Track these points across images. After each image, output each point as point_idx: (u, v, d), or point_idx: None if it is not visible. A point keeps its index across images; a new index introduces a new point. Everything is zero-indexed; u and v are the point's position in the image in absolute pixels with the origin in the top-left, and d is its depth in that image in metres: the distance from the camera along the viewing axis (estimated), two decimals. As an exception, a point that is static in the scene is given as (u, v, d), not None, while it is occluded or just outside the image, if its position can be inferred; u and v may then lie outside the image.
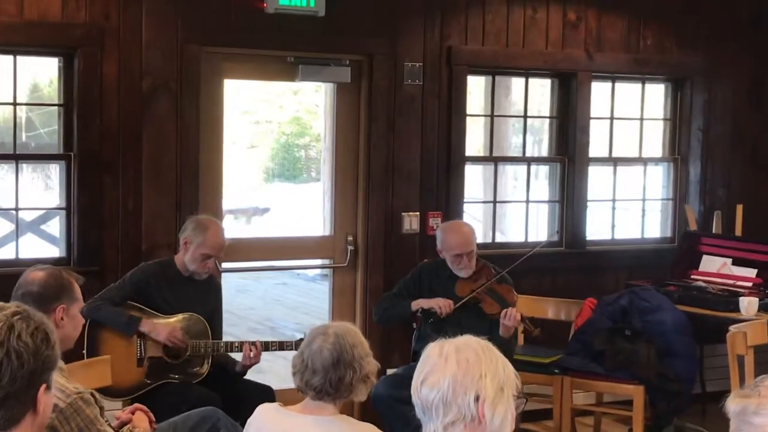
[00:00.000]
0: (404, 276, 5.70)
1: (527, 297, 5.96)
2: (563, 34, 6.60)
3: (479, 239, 5.75)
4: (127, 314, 4.84)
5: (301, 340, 5.01)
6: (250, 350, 4.93)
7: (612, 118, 7.02)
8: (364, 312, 6.13)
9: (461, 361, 2.23)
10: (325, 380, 3.12)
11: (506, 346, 5.17)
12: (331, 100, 6.24)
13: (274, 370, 6.78)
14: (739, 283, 6.34)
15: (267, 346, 4.98)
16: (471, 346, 2.27)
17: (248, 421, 3.27)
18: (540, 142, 7.54)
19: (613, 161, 7.04)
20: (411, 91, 6.17)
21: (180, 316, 4.95)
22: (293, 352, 3.38)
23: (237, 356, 5.09)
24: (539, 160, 7.19)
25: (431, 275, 5.56)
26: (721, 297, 6.14)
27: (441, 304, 5.30)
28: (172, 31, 5.56)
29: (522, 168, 7.02)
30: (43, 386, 2.04)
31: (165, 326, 4.86)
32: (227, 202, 6.58)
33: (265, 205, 15.55)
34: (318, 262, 6.67)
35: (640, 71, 6.93)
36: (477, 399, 2.21)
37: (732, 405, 2.12)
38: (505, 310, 5.23)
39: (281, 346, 5.00)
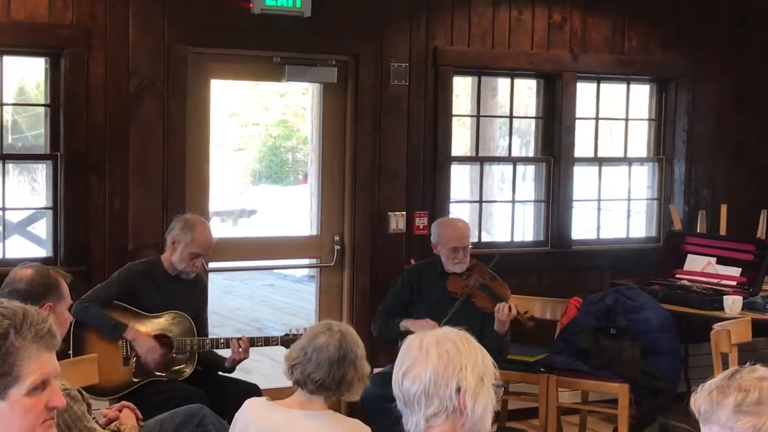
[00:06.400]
0: (391, 275, 5.70)
1: (514, 296, 5.96)
2: (548, 35, 6.64)
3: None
4: (114, 319, 4.84)
5: (287, 335, 5.05)
6: (239, 345, 4.95)
7: (597, 119, 7.06)
8: (351, 311, 6.14)
9: (442, 354, 2.25)
10: (328, 375, 3.16)
11: (502, 342, 5.18)
12: (317, 101, 6.26)
13: (260, 370, 6.78)
14: (724, 282, 6.37)
15: (253, 342, 5.01)
16: (450, 338, 2.29)
17: (236, 414, 3.29)
18: (526, 143, 7.58)
19: (599, 161, 7.08)
20: (397, 91, 6.19)
21: (166, 315, 4.97)
22: (280, 352, 3.40)
23: (223, 354, 5.10)
24: (525, 160, 7.23)
25: (420, 277, 5.55)
26: (706, 296, 6.17)
27: (424, 326, 5.25)
28: (159, 31, 5.57)
29: (508, 168, 7.05)
30: None
31: (147, 340, 4.85)
32: (214, 204, 6.58)
33: (252, 208, 15.55)
34: (305, 261, 6.68)
35: (624, 72, 6.97)
36: (458, 390, 2.23)
37: (726, 401, 2.09)
38: (499, 305, 5.22)
39: (267, 341, 5.04)
